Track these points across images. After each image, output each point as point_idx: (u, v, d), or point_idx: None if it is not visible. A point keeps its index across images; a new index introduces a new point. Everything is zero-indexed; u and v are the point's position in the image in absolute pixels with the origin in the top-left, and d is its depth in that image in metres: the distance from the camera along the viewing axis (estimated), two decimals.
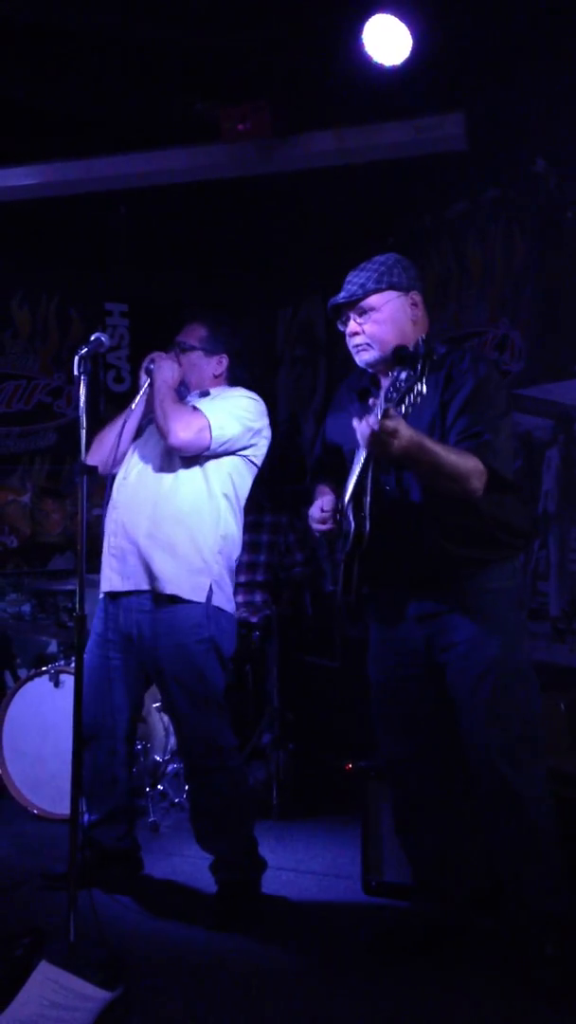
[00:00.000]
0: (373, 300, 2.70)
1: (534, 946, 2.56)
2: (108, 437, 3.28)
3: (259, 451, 3.25)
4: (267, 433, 3.27)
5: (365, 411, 2.47)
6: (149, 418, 3.31)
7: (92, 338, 3.01)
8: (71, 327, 5.52)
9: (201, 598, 3.09)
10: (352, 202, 4.84)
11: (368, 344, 2.70)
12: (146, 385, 3.23)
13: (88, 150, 4.36)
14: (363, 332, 2.70)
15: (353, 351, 2.75)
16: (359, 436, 2.37)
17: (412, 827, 2.84)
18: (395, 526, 2.60)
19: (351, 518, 2.56)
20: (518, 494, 2.70)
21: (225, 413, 3.13)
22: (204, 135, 4.07)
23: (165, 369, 3.19)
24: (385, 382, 2.70)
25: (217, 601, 3.13)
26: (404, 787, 2.84)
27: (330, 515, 2.69)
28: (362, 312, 2.71)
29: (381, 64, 3.41)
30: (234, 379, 3.37)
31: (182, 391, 3.25)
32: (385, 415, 2.29)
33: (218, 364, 3.32)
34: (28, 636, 5.12)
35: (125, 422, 3.25)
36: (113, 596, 3.22)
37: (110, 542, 3.22)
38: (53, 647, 5.08)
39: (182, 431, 3.06)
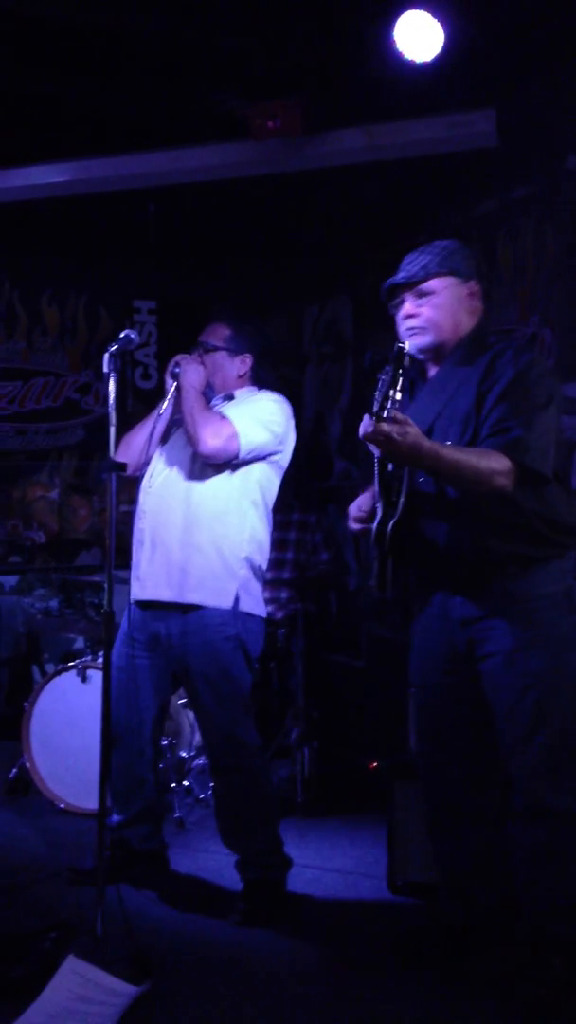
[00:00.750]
0: (433, 283, 2.62)
1: (540, 962, 2.48)
2: (136, 439, 3.29)
3: (286, 455, 3.25)
4: (293, 436, 3.27)
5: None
6: (174, 420, 3.31)
7: (121, 335, 3.02)
8: (99, 324, 5.55)
9: (227, 604, 3.09)
10: (381, 199, 4.82)
11: (423, 328, 2.61)
12: (173, 389, 3.22)
13: (118, 148, 4.37)
14: (419, 315, 2.61)
15: (404, 335, 2.64)
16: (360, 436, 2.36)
17: (445, 831, 2.77)
18: (432, 522, 2.54)
19: (378, 514, 2.53)
20: (563, 487, 2.58)
21: (253, 419, 3.12)
22: (234, 132, 4.07)
23: (191, 372, 3.18)
24: (433, 371, 2.66)
25: (244, 606, 3.13)
26: (440, 791, 2.75)
27: (366, 515, 2.64)
28: (420, 295, 2.62)
29: (412, 60, 3.39)
30: (258, 379, 3.37)
31: (208, 393, 3.25)
32: (378, 418, 2.28)
33: (242, 364, 3.31)
34: (55, 631, 5.15)
35: (154, 425, 3.25)
36: (141, 604, 3.22)
37: (137, 551, 3.22)
38: (80, 643, 5.11)
39: (212, 439, 3.05)
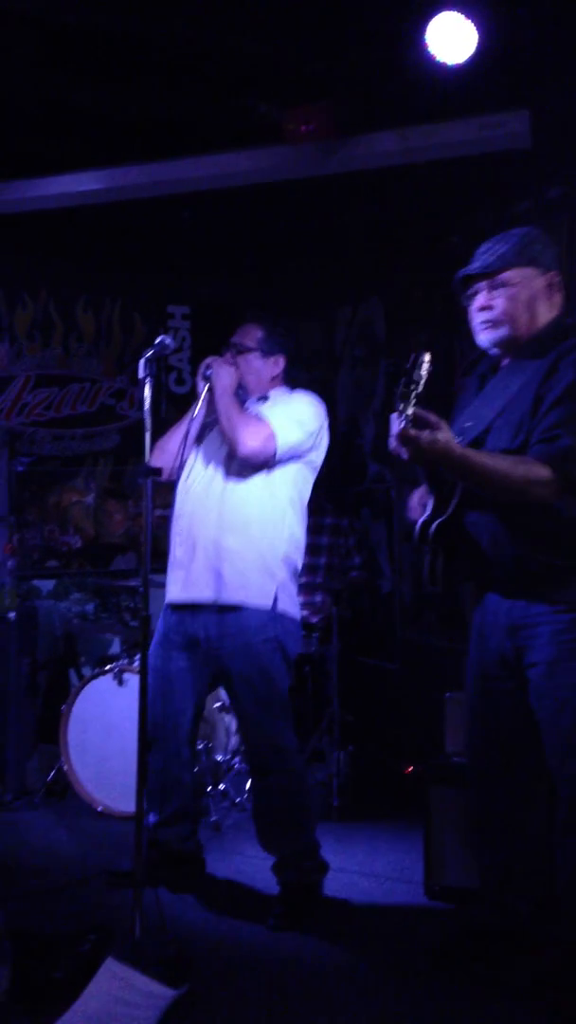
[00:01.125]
0: (510, 274, 2.51)
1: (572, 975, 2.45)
2: (170, 444, 3.30)
3: (319, 454, 3.26)
4: (326, 436, 3.28)
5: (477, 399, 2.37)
6: (207, 422, 3.33)
7: (157, 341, 3.04)
8: (134, 330, 5.59)
9: (267, 604, 3.10)
10: (413, 201, 4.81)
11: (497, 321, 2.51)
12: (205, 391, 3.23)
13: (151, 155, 4.39)
14: (494, 308, 2.52)
15: (477, 328, 2.57)
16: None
17: (487, 837, 2.74)
18: (480, 526, 2.50)
19: (427, 511, 2.50)
20: None
21: (288, 420, 3.14)
22: (266, 137, 4.08)
23: (223, 374, 3.20)
24: (506, 364, 2.59)
25: (282, 606, 3.14)
26: (487, 798, 2.71)
27: (423, 502, 2.58)
28: (495, 286, 2.52)
29: (445, 62, 3.37)
30: (291, 380, 3.38)
31: (241, 394, 3.26)
32: (412, 422, 2.25)
33: (275, 365, 3.32)
34: (92, 635, 5.19)
35: (188, 429, 3.27)
36: (179, 606, 3.24)
37: (176, 552, 3.24)
38: (116, 646, 5.15)
39: (250, 441, 3.07)
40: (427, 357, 2.28)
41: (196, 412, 3.24)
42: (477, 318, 2.57)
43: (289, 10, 3.58)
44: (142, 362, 2.94)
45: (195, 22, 3.68)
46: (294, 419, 3.15)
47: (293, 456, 3.15)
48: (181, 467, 3.26)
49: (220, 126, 4.22)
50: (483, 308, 2.55)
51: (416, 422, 2.28)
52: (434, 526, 2.48)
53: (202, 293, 5.58)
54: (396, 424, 2.28)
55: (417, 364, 2.26)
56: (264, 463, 3.12)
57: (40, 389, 5.39)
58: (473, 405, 2.58)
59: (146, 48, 3.87)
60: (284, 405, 3.22)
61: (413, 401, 2.25)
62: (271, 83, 3.88)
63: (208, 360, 3.26)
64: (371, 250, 5.35)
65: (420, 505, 2.58)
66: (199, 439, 3.35)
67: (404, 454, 2.32)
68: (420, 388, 2.27)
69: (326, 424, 3.27)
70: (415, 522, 2.56)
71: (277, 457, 3.11)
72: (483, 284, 2.55)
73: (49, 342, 5.41)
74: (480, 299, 2.56)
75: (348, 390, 5.71)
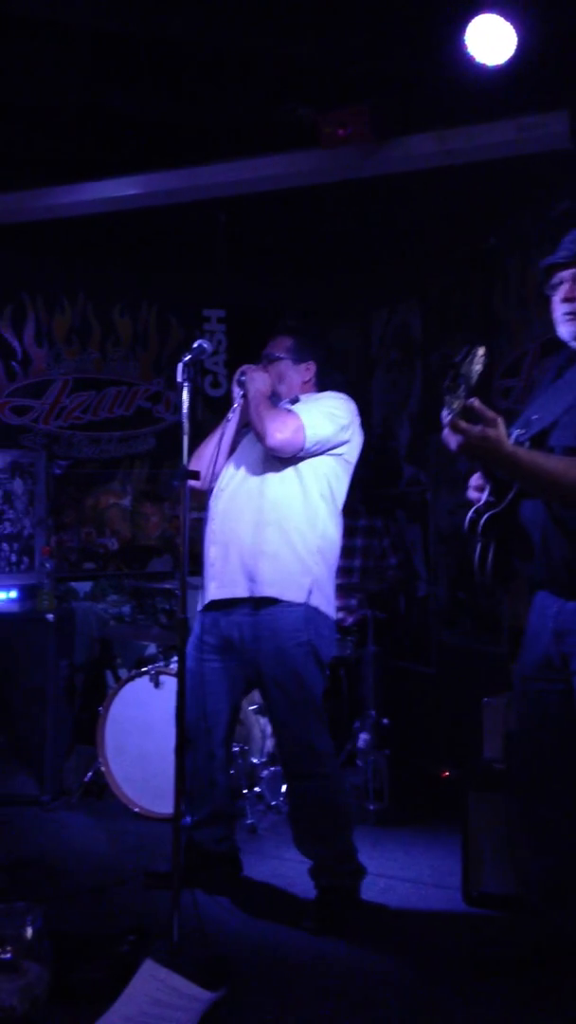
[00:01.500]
0: None
1: None
2: (206, 452, 3.35)
3: (352, 449, 3.27)
4: (359, 434, 3.30)
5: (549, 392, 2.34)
6: (243, 432, 3.37)
7: (195, 345, 3.06)
8: (170, 334, 5.62)
9: (301, 599, 3.11)
10: (451, 203, 4.79)
11: None
12: (240, 398, 3.28)
13: (188, 159, 4.41)
14: None
15: (560, 320, 2.51)
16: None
17: (531, 844, 2.71)
18: (533, 524, 2.47)
19: (482, 499, 2.47)
20: None
21: (317, 412, 3.18)
22: (303, 141, 4.08)
23: (257, 380, 3.25)
24: None
25: (316, 602, 3.14)
26: (528, 802, 2.67)
27: (481, 485, 2.53)
28: None
29: (484, 64, 3.36)
30: (323, 386, 3.41)
31: (273, 401, 3.29)
32: (462, 414, 2.19)
33: (306, 371, 3.38)
34: (128, 637, 5.22)
35: (222, 436, 3.31)
36: (214, 605, 3.25)
37: (209, 553, 3.26)
38: (152, 648, 5.17)
39: (278, 432, 3.10)
40: (481, 351, 2.22)
41: (230, 417, 3.30)
42: (560, 309, 2.51)
43: (326, 13, 3.59)
44: (180, 366, 2.97)
45: (232, 27, 3.69)
46: (324, 413, 3.19)
47: (323, 449, 3.18)
48: (215, 476, 3.29)
49: (257, 130, 4.23)
50: (567, 299, 2.48)
51: (467, 414, 2.22)
52: (485, 518, 2.46)
53: (238, 296, 5.59)
54: (446, 415, 2.24)
55: (469, 357, 2.20)
56: (293, 454, 3.15)
57: (78, 393, 5.43)
58: (543, 397, 2.55)
59: (183, 53, 3.89)
60: (314, 402, 3.27)
61: (463, 394, 2.20)
62: (309, 87, 3.88)
63: (242, 368, 3.32)
64: (408, 253, 5.34)
65: (476, 488, 2.54)
66: (233, 447, 3.38)
67: (452, 444, 2.29)
68: (473, 381, 2.21)
69: (358, 421, 3.29)
70: (472, 505, 2.52)
71: (306, 449, 3.14)
72: (568, 274, 2.49)
73: (87, 346, 5.46)
74: (564, 289, 2.49)
75: (383, 393, 5.70)
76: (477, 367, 2.20)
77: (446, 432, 2.28)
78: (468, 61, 3.37)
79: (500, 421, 2.27)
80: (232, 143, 4.36)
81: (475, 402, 2.22)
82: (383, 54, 3.64)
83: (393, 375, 5.60)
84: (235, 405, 3.31)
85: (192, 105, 4.19)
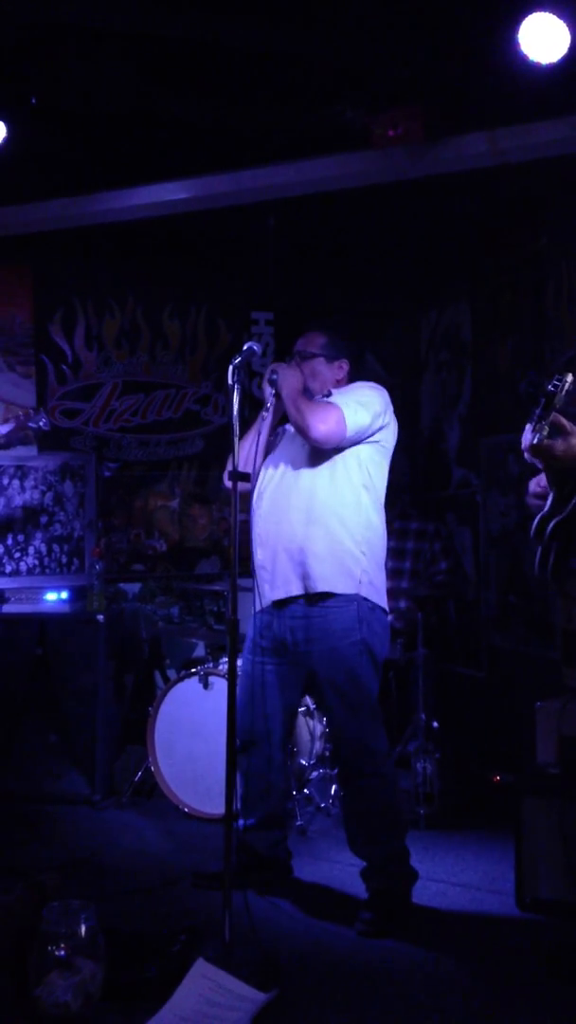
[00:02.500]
0: None
1: None
2: (244, 452, 3.33)
3: (389, 436, 3.28)
4: (393, 418, 3.30)
5: None
6: (277, 431, 3.37)
7: (245, 348, 3.08)
8: (218, 336, 5.64)
9: (353, 589, 3.11)
10: (501, 202, 4.76)
11: None
12: (272, 396, 3.27)
13: (238, 163, 4.43)
14: None
15: None
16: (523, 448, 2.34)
17: None
18: None
19: (547, 506, 2.49)
20: None
21: (353, 402, 3.18)
22: (353, 143, 4.08)
23: (290, 377, 3.25)
24: None
25: (367, 592, 3.14)
26: None
27: (543, 491, 2.57)
28: None
29: (537, 63, 3.33)
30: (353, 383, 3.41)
31: (307, 395, 3.27)
32: (548, 432, 2.26)
33: (339, 369, 3.38)
34: (176, 638, 5.25)
35: (259, 433, 3.31)
36: (266, 606, 3.25)
37: (257, 556, 3.26)
38: (200, 649, 5.20)
39: (321, 424, 3.11)
40: (570, 378, 2.33)
41: (265, 418, 3.29)
42: None
43: (378, 14, 3.58)
44: (231, 368, 2.97)
45: (282, 29, 3.70)
46: (359, 402, 3.19)
47: (362, 437, 3.18)
48: (253, 476, 3.28)
49: (307, 132, 4.23)
50: None
51: (551, 430, 2.31)
52: (552, 524, 2.47)
53: (285, 299, 5.60)
54: (529, 436, 2.31)
55: (560, 387, 2.30)
56: (336, 445, 3.16)
57: (127, 396, 5.48)
58: None
59: (232, 56, 3.91)
60: (346, 392, 3.28)
61: (550, 420, 2.30)
62: (359, 88, 3.88)
63: (272, 365, 3.31)
64: (458, 253, 5.31)
65: (536, 496, 2.58)
66: (269, 447, 3.38)
67: (540, 463, 2.35)
68: (558, 407, 2.32)
69: (391, 408, 3.30)
70: (533, 512, 2.56)
71: (347, 438, 3.15)
72: None
73: (136, 349, 5.50)
74: None
75: (432, 394, 5.67)
76: (563, 396, 2.33)
77: (529, 455, 2.35)
78: (521, 60, 3.35)
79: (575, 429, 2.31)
80: (282, 146, 4.37)
81: (555, 416, 2.30)
82: (435, 54, 3.63)
83: (442, 377, 5.57)
84: (268, 404, 3.29)
85: (241, 108, 4.21)
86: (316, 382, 3.33)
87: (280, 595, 3.20)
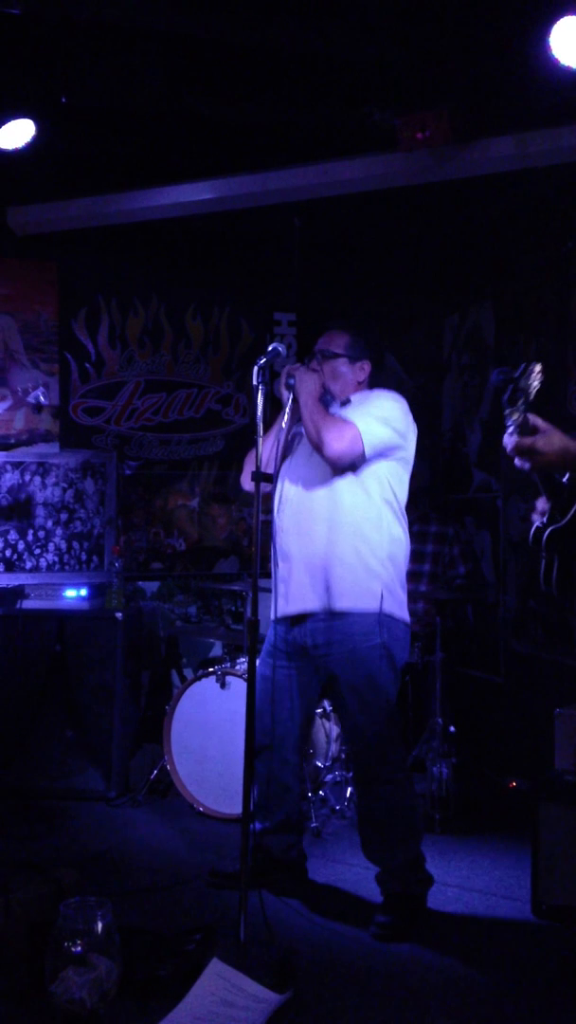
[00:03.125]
0: None
1: None
2: (262, 456, 3.31)
3: (409, 450, 3.23)
4: (414, 431, 3.25)
5: None
6: (295, 433, 3.33)
7: (270, 348, 3.08)
8: (241, 337, 5.65)
9: (374, 606, 3.09)
10: (527, 206, 4.74)
11: None
12: (290, 400, 3.23)
13: (265, 163, 4.44)
14: None
15: None
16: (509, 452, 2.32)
17: None
18: None
19: (545, 516, 2.48)
20: None
21: (373, 419, 3.13)
22: (379, 145, 4.07)
23: (308, 381, 3.19)
24: None
25: (388, 607, 3.12)
26: None
27: (545, 510, 2.54)
28: None
29: (568, 67, 3.32)
30: (375, 385, 3.38)
31: (325, 399, 3.24)
32: (520, 429, 2.24)
33: (361, 371, 3.33)
34: (194, 637, 5.26)
35: (277, 438, 3.26)
36: (289, 617, 3.23)
37: (280, 569, 3.23)
38: (218, 649, 5.20)
39: (336, 442, 3.06)
40: (538, 368, 2.27)
41: (284, 422, 3.24)
42: None
43: (406, 16, 3.58)
44: (255, 369, 2.97)
45: (309, 30, 3.70)
46: (378, 417, 3.14)
47: (381, 454, 3.14)
48: (275, 476, 3.26)
49: (335, 133, 4.23)
50: None
51: (523, 429, 2.26)
52: (547, 533, 2.45)
53: (308, 300, 5.60)
54: (508, 438, 2.28)
55: (526, 374, 2.26)
56: (351, 463, 3.11)
57: (149, 394, 5.49)
58: None
59: (260, 57, 3.91)
60: (367, 405, 3.21)
61: (522, 410, 2.24)
62: (387, 89, 3.87)
63: (288, 368, 3.27)
64: (483, 256, 5.29)
65: (541, 513, 2.55)
66: (286, 451, 3.34)
67: (527, 465, 2.30)
68: (531, 398, 2.26)
69: (411, 417, 3.24)
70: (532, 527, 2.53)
71: (365, 457, 3.10)
72: None
73: (159, 348, 5.52)
74: None
75: (454, 397, 5.66)
76: (535, 383, 2.26)
77: (517, 460, 2.31)
78: (552, 63, 3.34)
79: (552, 427, 2.28)
80: (309, 147, 4.37)
81: (528, 416, 2.26)
82: (464, 56, 3.62)
83: (465, 380, 5.55)
84: (286, 408, 3.23)
85: (269, 109, 4.21)
86: (337, 383, 3.28)
87: (296, 609, 3.18)
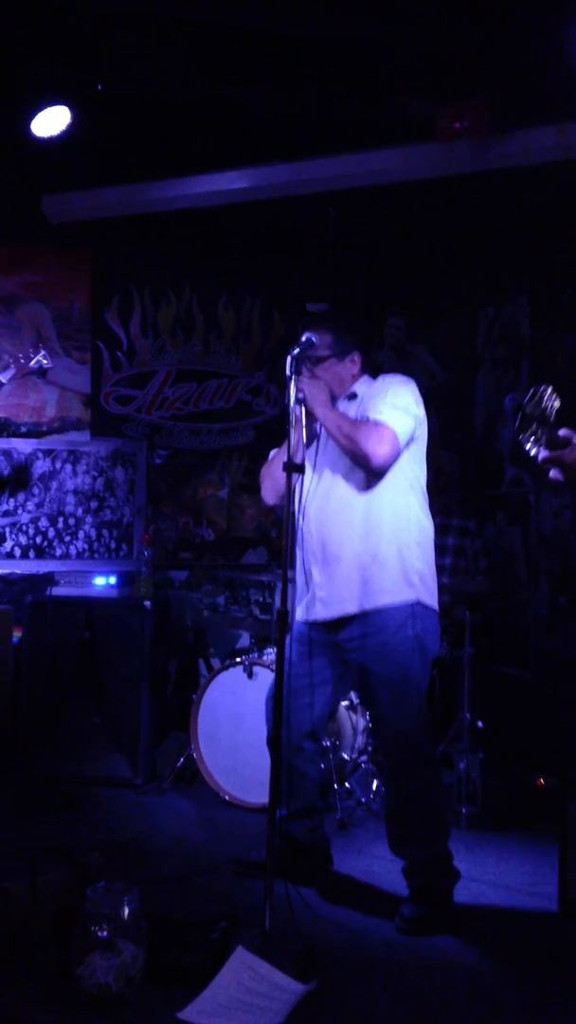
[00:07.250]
0: None
1: None
2: (275, 468, 3.29)
3: (424, 429, 3.21)
4: (424, 411, 3.20)
5: None
6: (310, 437, 3.27)
7: (303, 339, 3.05)
8: (272, 327, 5.64)
9: (409, 596, 3.08)
10: (567, 198, 4.68)
11: None
12: (303, 415, 3.14)
13: (299, 152, 4.41)
14: None
15: None
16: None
17: None
18: None
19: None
20: None
21: (396, 411, 3.08)
22: (417, 135, 4.04)
23: (316, 392, 3.12)
24: None
25: (421, 595, 3.10)
26: None
27: None
28: None
29: None
30: (369, 367, 3.33)
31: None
32: (548, 444, 2.24)
33: (352, 363, 3.27)
34: (221, 627, 5.27)
35: (292, 452, 3.13)
36: (325, 623, 3.20)
37: (311, 571, 3.19)
38: (245, 639, 5.20)
39: (379, 449, 3.02)
40: (549, 390, 2.28)
41: (295, 437, 3.09)
42: None
43: (445, 3, 3.54)
44: (289, 359, 2.95)
45: (347, 20, 3.68)
46: (400, 408, 3.10)
47: (409, 444, 3.13)
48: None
49: (371, 123, 4.20)
50: None
51: (552, 443, 2.26)
52: None
53: (341, 291, 5.57)
54: (538, 453, 2.28)
55: (536, 399, 2.26)
56: (393, 463, 3.09)
57: (180, 384, 5.50)
58: None
59: (296, 46, 3.89)
60: (382, 396, 3.13)
61: (537, 432, 2.26)
62: (426, 79, 3.84)
63: (295, 383, 3.07)
64: (520, 249, 5.24)
65: None
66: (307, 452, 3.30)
67: (561, 477, 2.30)
68: (551, 418, 2.27)
69: (421, 399, 3.20)
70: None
71: (401, 452, 3.09)
72: None
73: (191, 338, 5.52)
74: None
75: (487, 391, 5.61)
76: (549, 404, 2.27)
77: (553, 473, 2.31)
78: None
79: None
80: (344, 136, 4.34)
81: (554, 432, 2.27)
82: (504, 45, 3.58)
83: (498, 373, 5.51)
84: (300, 424, 3.12)
85: (304, 98, 4.19)
86: (334, 382, 3.22)
87: (335, 614, 3.15)
